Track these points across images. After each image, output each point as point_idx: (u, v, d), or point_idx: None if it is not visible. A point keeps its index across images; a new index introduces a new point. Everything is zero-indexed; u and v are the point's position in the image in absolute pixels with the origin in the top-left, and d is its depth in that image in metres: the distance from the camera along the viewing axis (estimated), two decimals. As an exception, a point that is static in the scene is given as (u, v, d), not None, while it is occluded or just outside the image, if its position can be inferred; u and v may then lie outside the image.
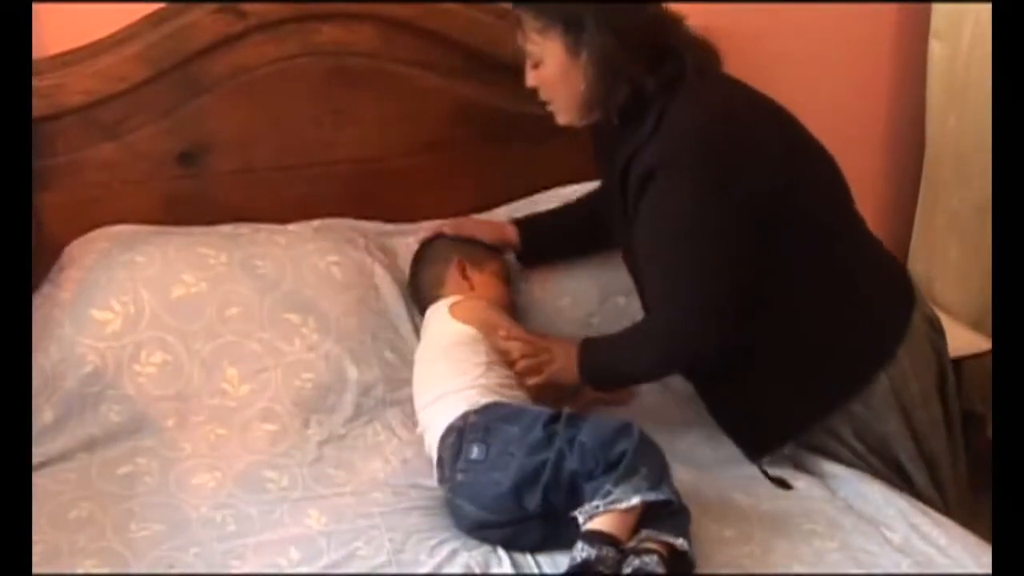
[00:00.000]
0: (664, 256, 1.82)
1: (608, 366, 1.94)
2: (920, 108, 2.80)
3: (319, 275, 2.16)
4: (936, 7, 2.71)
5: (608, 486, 1.59)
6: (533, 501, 1.67)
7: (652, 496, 1.60)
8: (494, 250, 2.22)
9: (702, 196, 1.76)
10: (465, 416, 1.80)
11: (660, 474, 1.63)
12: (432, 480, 1.86)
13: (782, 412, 1.91)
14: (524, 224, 2.25)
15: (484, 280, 2.14)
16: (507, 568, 1.65)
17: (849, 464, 1.91)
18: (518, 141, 2.47)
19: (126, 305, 2.05)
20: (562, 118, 1.92)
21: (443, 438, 1.81)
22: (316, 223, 2.32)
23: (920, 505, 1.81)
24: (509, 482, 1.68)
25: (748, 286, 1.80)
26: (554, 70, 1.85)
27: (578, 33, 1.80)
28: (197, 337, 2.05)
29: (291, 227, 2.28)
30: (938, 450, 1.94)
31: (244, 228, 2.25)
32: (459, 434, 1.78)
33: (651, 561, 1.55)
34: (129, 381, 2.00)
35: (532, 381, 1.95)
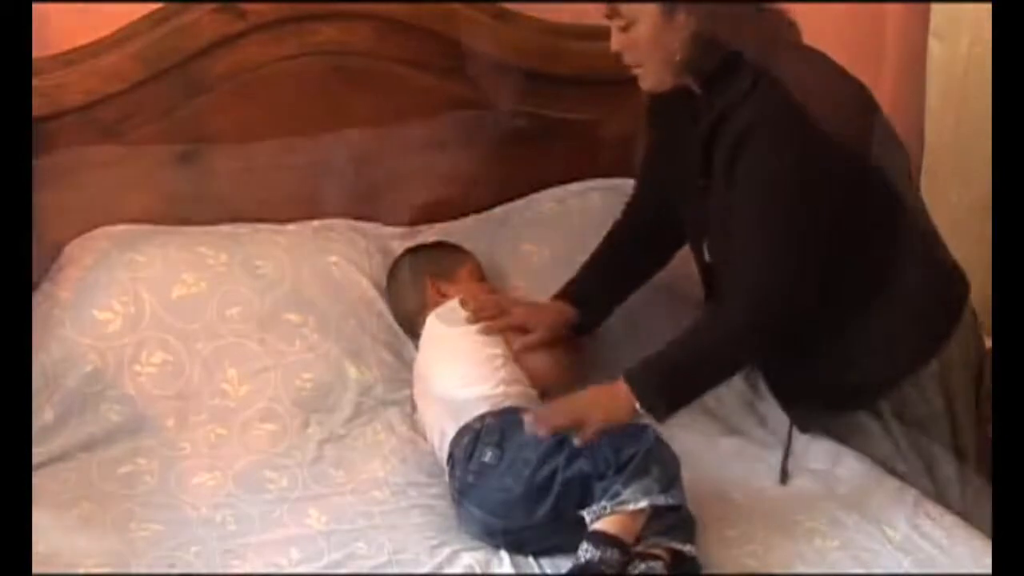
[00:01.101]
0: (770, 215, 1.74)
1: (683, 373, 1.77)
2: (920, 108, 2.80)
3: (319, 275, 2.16)
4: (936, 7, 2.70)
5: (618, 487, 1.59)
6: (542, 510, 1.66)
7: (661, 500, 1.59)
8: (458, 250, 2.19)
9: (807, 152, 1.71)
10: (482, 418, 1.79)
11: (672, 478, 1.62)
12: (432, 478, 1.86)
13: (839, 384, 1.91)
14: (574, 295, 2.08)
15: (461, 288, 2.12)
16: (507, 568, 1.65)
17: (878, 440, 1.92)
18: (518, 141, 2.48)
19: (126, 305, 2.05)
20: (648, 82, 1.85)
21: (457, 437, 1.80)
22: (316, 223, 2.31)
23: (923, 504, 1.81)
24: (520, 489, 1.68)
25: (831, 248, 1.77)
26: (647, 32, 1.77)
27: None
28: (197, 337, 2.05)
29: (291, 227, 2.28)
30: (968, 444, 1.94)
31: (244, 228, 2.25)
32: (475, 435, 1.77)
33: (656, 566, 1.56)
34: (129, 381, 2.00)
35: (586, 436, 1.67)
